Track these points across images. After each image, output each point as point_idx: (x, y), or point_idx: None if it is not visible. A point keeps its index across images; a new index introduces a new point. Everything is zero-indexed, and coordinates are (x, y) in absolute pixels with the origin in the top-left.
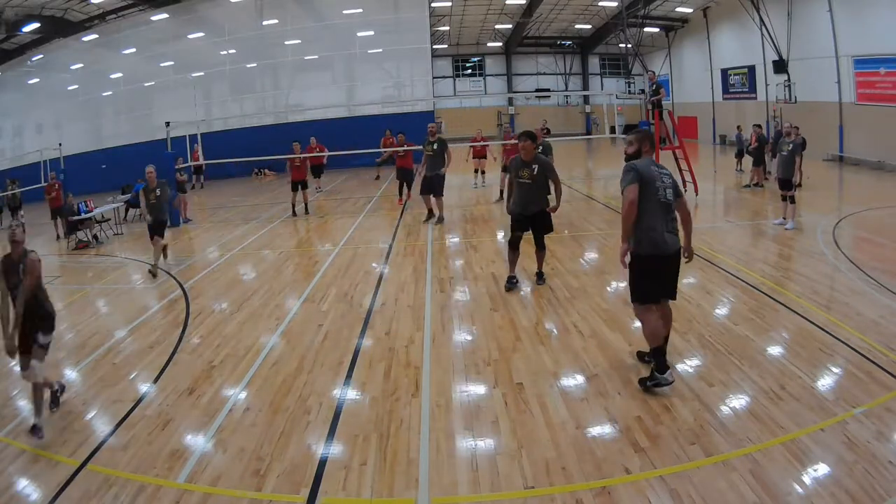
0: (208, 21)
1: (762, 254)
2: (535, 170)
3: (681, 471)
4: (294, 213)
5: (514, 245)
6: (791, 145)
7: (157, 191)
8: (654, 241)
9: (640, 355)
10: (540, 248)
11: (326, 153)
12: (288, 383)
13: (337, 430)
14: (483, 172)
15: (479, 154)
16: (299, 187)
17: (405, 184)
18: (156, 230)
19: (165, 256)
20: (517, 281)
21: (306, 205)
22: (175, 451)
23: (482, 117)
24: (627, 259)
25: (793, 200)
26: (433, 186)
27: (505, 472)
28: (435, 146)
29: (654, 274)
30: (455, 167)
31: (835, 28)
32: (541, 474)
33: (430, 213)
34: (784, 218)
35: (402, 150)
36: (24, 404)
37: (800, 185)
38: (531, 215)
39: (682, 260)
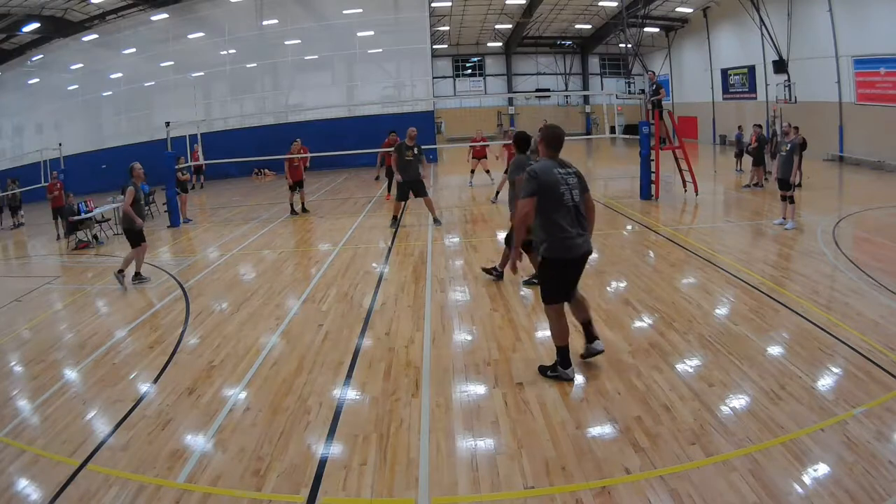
0: (208, 21)
1: (762, 254)
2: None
3: (681, 471)
4: (293, 212)
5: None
6: (789, 145)
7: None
8: (565, 245)
9: (543, 369)
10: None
11: (308, 155)
12: (288, 383)
13: (337, 430)
14: (487, 171)
15: (479, 154)
16: (297, 187)
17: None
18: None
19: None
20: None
21: (303, 204)
22: (175, 451)
23: (482, 117)
24: (538, 264)
25: (792, 200)
26: (418, 191)
27: (505, 472)
28: (415, 151)
29: (564, 276)
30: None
31: (835, 28)
32: (541, 474)
33: (396, 219)
34: (784, 218)
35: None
36: (24, 404)
37: (799, 185)
38: None
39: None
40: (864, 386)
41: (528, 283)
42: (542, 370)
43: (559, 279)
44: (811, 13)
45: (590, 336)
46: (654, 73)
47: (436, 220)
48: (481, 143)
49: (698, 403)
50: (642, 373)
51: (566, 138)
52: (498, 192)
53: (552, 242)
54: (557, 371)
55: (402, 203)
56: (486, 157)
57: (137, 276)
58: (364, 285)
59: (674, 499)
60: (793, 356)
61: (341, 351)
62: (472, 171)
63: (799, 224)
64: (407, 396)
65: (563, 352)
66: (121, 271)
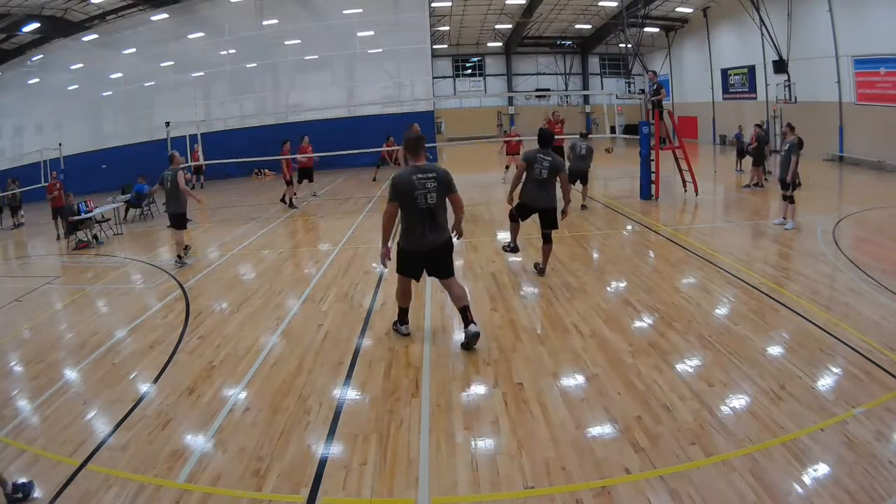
0: (208, 21)
1: (762, 254)
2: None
3: (681, 471)
4: (293, 206)
5: (514, 220)
6: (788, 145)
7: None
8: (414, 240)
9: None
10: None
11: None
12: (288, 383)
13: (337, 430)
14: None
15: (513, 150)
16: (303, 178)
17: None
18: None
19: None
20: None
21: (291, 199)
22: (175, 451)
23: (482, 117)
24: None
25: (791, 200)
26: None
27: (505, 472)
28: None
29: (412, 261)
30: (456, 168)
31: (835, 28)
32: (541, 474)
33: None
34: (784, 218)
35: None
36: (24, 404)
37: (799, 184)
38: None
39: (455, 240)
40: (864, 386)
41: (538, 271)
42: (394, 324)
43: (407, 262)
44: (811, 13)
45: (465, 321)
46: (654, 72)
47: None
48: (516, 139)
49: (698, 403)
50: (642, 373)
51: (565, 138)
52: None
53: (404, 236)
54: (396, 326)
55: None
56: (519, 153)
57: (179, 259)
58: (364, 285)
59: (674, 499)
60: (793, 356)
61: (341, 351)
62: (507, 167)
63: (799, 224)
64: (407, 396)
65: (401, 312)
66: (179, 256)
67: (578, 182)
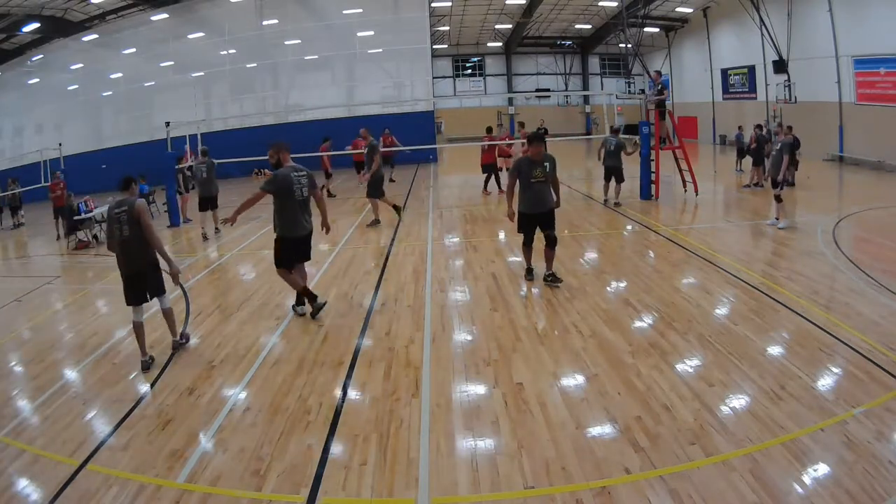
0: (208, 21)
1: (762, 254)
2: (547, 167)
3: (681, 471)
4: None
5: (526, 242)
6: (779, 144)
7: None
8: (293, 228)
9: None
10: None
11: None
12: (288, 383)
13: (337, 430)
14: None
15: (505, 153)
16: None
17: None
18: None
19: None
20: (534, 269)
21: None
22: (175, 451)
23: (482, 117)
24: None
25: (779, 199)
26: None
27: (505, 472)
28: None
29: (291, 249)
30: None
31: (835, 28)
32: (541, 474)
33: (397, 208)
34: (777, 218)
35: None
36: (24, 404)
37: (791, 184)
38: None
39: (322, 232)
40: (864, 386)
41: (548, 282)
42: (293, 307)
43: (287, 252)
44: (811, 13)
45: (310, 297)
46: (658, 73)
47: (375, 221)
48: (508, 142)
49: (698, 403)
50: (642, 373)
51: (566, 138)
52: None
53: (283, 226)
54: (294, 309)
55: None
56: (510, 155)
57: (218, 230)
58: (364, 285)
59: (674, 499)
60: (793, 356)
61: (341, 351)
62: (501, 169)
63: (792, 223)
64: (407, 396)
65: (298, 296)
66: (217, 228)
67: (613, 179)
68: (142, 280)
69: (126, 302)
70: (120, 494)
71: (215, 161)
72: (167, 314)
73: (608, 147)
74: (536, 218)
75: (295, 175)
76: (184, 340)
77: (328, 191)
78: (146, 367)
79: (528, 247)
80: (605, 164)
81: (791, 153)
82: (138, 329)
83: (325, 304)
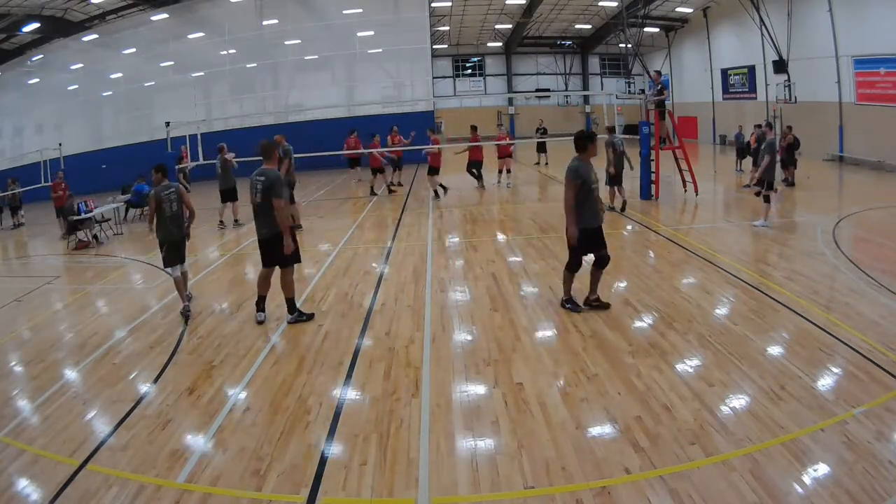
0: (208, 21)
1: (762, 254)
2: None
3: (681, 471)
4: (391, 191)
5: (576, 269)
6: (765, 144)
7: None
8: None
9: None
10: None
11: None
12: (288, 383)
13: (337, 430)
14: (509, 171)
15: (505, 153)
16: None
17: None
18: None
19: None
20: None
21: (389, 185)
22: (175, 451)
23: (482, 117)
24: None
25: (767, 200)
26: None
27: (505, 471)
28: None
29: (261, 250)
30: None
31: (835, 28)
32: (541, 474)
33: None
34: (764, 218)
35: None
36: (24, 404)
37: (792, 183)
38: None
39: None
40: (864, 386)
41: (594, 306)
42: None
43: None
44: (811, 13)
45: (259, 304)
46: (658, 73)
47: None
48: (507, 142)
49: (698, 403)
50: (642, 373)
51: (566, 138)
52: (435, 191)
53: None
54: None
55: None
56: (510, 155)
57: (237, 222)
58: (364, 285)
59: (674, 499)
60: (793, 356)
61: (341, 351)
62: (500, 171)
63: (798, 224)
64: (407, 396)
65: (259, 299)
66: (236, 220)
67: (612, 184)
68: (181, 246)
69: (164, 265)
70: (120, 494)
71: (229, 157)
72: (185, 277)
73: (617, 148)
74: (595, 233)
75: (257, 178)
76: (188, 301)
77: (390, 185)
78: (186, 312)
79: (572, 272)
80: (617, 166)
81: (773, 153)
82: (178, 283)
83: (260, 321)
